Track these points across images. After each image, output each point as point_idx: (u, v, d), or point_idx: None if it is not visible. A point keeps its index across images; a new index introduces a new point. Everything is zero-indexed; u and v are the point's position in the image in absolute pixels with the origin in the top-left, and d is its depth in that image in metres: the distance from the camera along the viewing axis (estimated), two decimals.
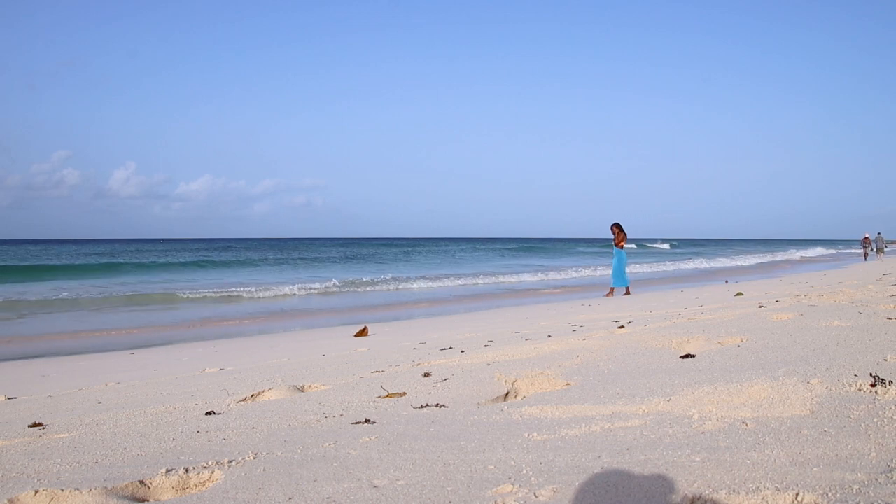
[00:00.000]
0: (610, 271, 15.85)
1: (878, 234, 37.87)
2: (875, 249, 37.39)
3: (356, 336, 8.36)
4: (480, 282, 24.07)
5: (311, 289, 20.63)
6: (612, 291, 15.00)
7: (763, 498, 1.65)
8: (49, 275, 30.21)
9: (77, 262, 40.58)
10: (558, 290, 19.02)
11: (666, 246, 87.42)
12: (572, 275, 27.74)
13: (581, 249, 69.90)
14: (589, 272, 28.91)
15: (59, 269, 34.27)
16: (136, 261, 42.32)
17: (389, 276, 26.91)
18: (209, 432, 2.80)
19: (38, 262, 42.34)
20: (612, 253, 15.48)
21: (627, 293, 14.91)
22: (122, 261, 42.37)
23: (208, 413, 3.27)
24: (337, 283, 22.53)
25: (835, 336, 4.05)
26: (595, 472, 1.92)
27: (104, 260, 43.66)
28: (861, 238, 38.38)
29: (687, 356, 3.81)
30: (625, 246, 15.21)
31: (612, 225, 15.40)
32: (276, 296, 18.77)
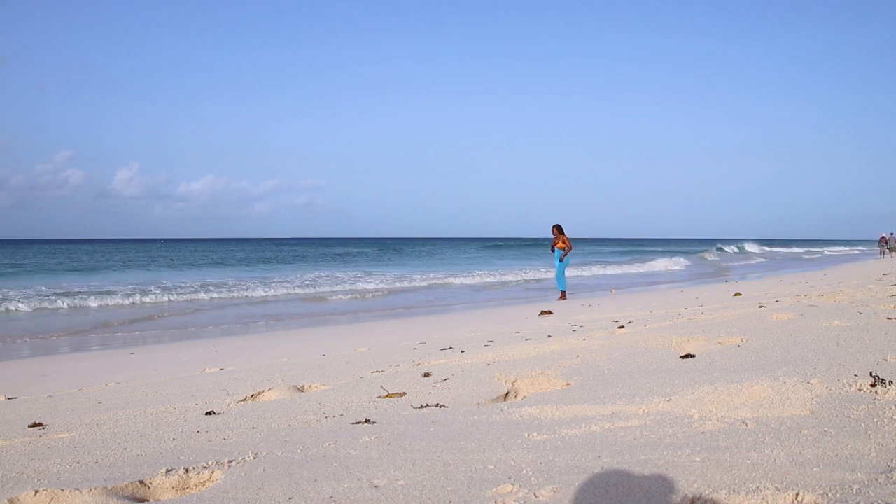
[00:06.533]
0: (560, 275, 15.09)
1: (892, 234, 38.17)
2: (889, 249, 37.82)
3: (540, 315, 9.51)
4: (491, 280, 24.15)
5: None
6: (563, 295, 14.62)
7: (763, 498, 1.65)
8: None
9: None
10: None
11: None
12: (581, 273, 27.70)
13: (586, 249, 69.51)
14: (589, 273, 28.87)
15: None
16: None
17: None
18: (209, 432, 2.80)
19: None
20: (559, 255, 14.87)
21: (562, 297, 14.44)
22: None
23: (208, 413, 3.27)
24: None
25: (835, 336, 4.05)
26: (595, 472, 1.92)
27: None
28: (878, 238, 40.01)
29: (687, 356, 3.81)
30: (563, 248, 14.68)
31: (553, 226, 14.82)
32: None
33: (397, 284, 22.91)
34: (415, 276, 26.73)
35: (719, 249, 52.48)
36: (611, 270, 30.51)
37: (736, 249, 56.98)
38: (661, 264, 34.56)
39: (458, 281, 24.34)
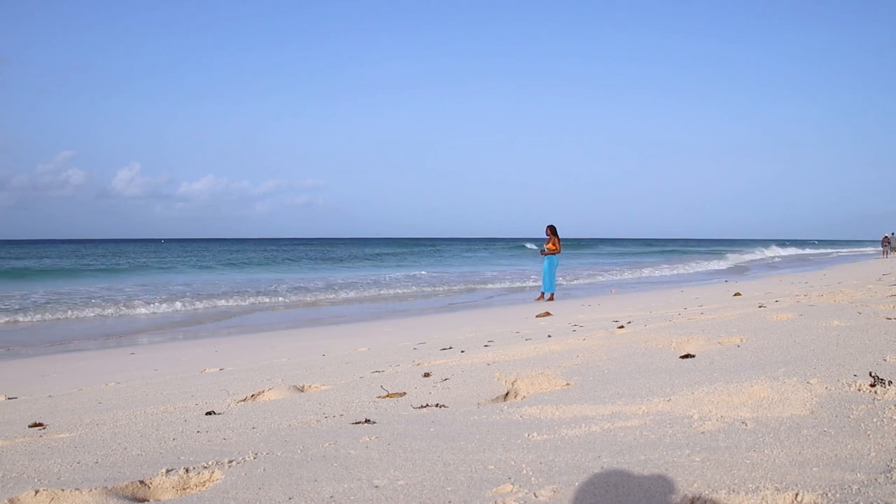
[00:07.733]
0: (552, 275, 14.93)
1: (893, 233, 38.35)
2: (892, 248, 38.03)
3: (538, 316, 9.34)
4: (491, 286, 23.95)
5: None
6: (542, 296, 14.57)
7: (763, 498, 1.65)
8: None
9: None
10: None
11: None
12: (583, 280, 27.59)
13: (599, 250, 69.28)
14: (588, 277, 28.77)
15: None
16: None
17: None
18: (209, 432, 2.80)
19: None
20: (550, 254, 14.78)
21: (550, 299, 14.34)
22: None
23: (208, 413, 3.27)
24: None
25: (835, 336, 4.05)
26: (595, 472, 1.92)
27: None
28: (881, 238, 40.72)
29: (687, 356, 3.81)
30: (553, 250, 14.57)
31: (548, 227, 14.76)
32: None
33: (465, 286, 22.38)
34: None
35: (760, 250, 52.88)
36: (648, 272, 30.20)
37: (779, 251, 57.42)
38: (704, 265, 34.78)
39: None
